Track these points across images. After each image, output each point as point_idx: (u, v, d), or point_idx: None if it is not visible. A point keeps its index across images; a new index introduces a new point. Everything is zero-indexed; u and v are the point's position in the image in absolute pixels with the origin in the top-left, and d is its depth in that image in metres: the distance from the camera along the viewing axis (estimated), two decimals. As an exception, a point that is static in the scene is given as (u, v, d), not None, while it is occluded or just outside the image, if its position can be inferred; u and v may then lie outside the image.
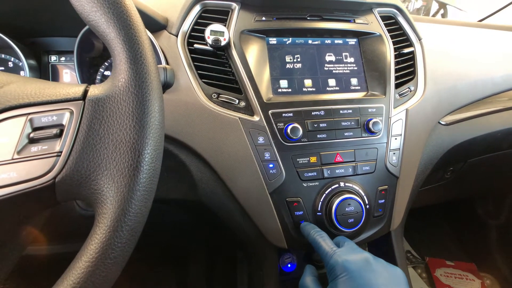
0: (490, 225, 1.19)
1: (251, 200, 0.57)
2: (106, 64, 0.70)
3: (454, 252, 1.39)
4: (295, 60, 0.64)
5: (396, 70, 0.68)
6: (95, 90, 0.30)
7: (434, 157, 0.73)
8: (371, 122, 0.60)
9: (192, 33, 0.61)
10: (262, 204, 0.57)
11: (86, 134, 0.28)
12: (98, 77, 0.70)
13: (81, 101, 0.29)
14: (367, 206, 0.59)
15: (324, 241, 0.49)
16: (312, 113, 0.59)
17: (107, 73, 0.70)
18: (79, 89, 0.30)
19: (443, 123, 0.75)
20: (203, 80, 0.59)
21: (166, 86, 0.46)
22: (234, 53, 0.59)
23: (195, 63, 0.59)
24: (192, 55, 0.60)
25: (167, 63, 0.60)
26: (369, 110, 0.62)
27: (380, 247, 0.69)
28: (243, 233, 0.60)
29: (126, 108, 0.29)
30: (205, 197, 0.60)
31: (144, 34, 0.31)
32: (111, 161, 0.28)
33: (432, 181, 0.89)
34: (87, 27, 0.58)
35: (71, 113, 0.28)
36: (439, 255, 1.37)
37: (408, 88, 0.68)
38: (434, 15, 1.59)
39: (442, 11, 1.51)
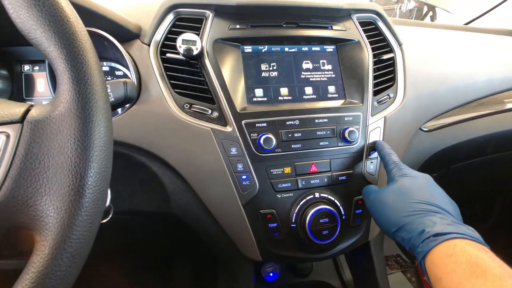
0: (479, 228, 1.18)
1: (224, 212, 0.56)
2: None
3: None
4: (271, 68, 0.63)
5: (375, 77, 0.67)
6: (36, 111, 0.29)
7: (415, 164, 0.72)
8: (347, 131, 0.59)
9: (166, 42, 0.60)
10: (235, 216, 0.56)
11: (23, 159, 0.27)
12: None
13: (19, 124, 0.28)
14: (343, 217, 0.58)
15: (394, 155, 0.56)
16: (287, 122, 0.58)
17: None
18: (19, 110, 0.29)
19: (424, 129, 0.74)
20: (175, 90, 0.57)
21: (126, 100, 0.45)
22: (207, 62, 0.58)
23: (167, 73, 0.58)
24: (165, 64, 0.59)
25: (138, 73, 0.59)
26: (346, 118, 0.61)
27: (360, 256, 0.68)
28: (217, 245, 0.59)
29: (67, 130, 0.28)
30: (178, 209, 0.59)
31: (91, 52, 0.30)
32: (51, 186, 0.27)
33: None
34: None
35: (7, 136, 0.27)
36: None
37: (387, 95, 0.67)
38: (422, 18, 1.58)
39: (431, 13, 1.50)
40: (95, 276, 0.86)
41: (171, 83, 0.58)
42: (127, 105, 0.55)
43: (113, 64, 0.71)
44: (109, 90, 0.44)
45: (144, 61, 0.59)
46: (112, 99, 0.44)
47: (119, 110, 0.69)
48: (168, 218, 0.60)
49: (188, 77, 0.59)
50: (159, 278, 0.95)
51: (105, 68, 0.71)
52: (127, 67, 0.57)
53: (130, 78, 0.57)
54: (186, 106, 0.57)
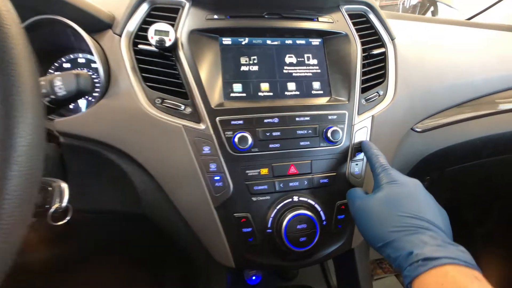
0: (477, 233, 1.14)
1: (195, 215, 0.53)
2: (63, 59, 0.66)
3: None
4: (251, 62, 0.59)
5: (364, 73, 0.62)
6: None
7: (406, 167, 0.68)
8: (330, 130, 0.55)
9: (139, 33, 0.56)
10: (208, 220, 0.52)
11: None
12: (51, 71, 0.66)
13: None
14: (324, 223, 0.54)
15: (381, 157, 0.52)
16: (265, 120, 0.54)
17: (66, 65, 0.66)
18: None
19: (417, 129, 0.70)
20: (147, 83, 0.54)
21: (80, 93, 0.41)
22: (182, 54, 0.54)
23: (140, 65, 0.55)
24: (137, 56, 0.55)
25: (108, 65, 0.55)
26: (329, 117, 0.57)
27: (345, 262, 0.64)
28: (190, 249, 0.56)
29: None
30: (148, 210, 0.56)
31: (17, 39, 0.27)
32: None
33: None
34: (37, 17, 0.53)
35: None
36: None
37: (377, 92, 0.63)
38: (424, 13, 1.52)
39: (432, 8, 1.45)
40: (75, 277, 0.83)
41: (143, 76, 0.54)
42: (93, 100, 0.52)
43: (89, 56, 0.68)
44: (60, 83, 0.40)
45: (114, 53, 0.55)
46: (64, 93, 0.40)
47: (84, 105, 0.66)
48: (140, 219, 0.57)
49: (161, 70, 0.55)
50: (139, 279, 0.93)
51: (81, 60, 0.68)
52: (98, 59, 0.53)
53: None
54: (158, 101, 0.53)
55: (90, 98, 0.65)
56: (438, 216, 0.42)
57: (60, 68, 0.67)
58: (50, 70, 0.67)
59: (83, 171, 0.57)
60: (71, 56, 0.68)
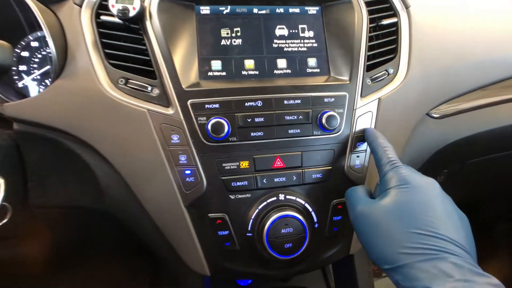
0: (498, 229, 1.03)
1: (163, 215, 0.46)
2: (30, 37, 0.59)
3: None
4: (233, 35, 0.50)
5: (371, 48, 0.52)
6: None
7: (419, 160, 0.58)
8: (325, 116, 0.46)
9: (104, 3, 0.48)
10: (177, 220, 0.45)
11: None
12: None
13: None
14: (316, 225, 0.46)
15: (389, 150, 0.42)
16: (246, 104, 0.45)
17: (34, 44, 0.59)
18: None
19: (434, 115, 0.59)
20: (109, 61, 0.46)
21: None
22: (149, 26, 0.46)
23: (102, 40, 0.47)
24: (100, 30, 0.47)
25: (65, 41, 0.47)
26: (326, 100, 0.47)
27: (343, 265, 0.56)
28: (160, 252, 0.49)
29: None
30: (113, 207, 0.49)
31: None
32: None
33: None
34: None
35: None
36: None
37: (385, 71, 0.53)
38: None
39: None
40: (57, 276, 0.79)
41: (105, 53, 0.46)
42: (48, 80, 0.45)
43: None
44: None
45: (73, 25, 0.47)
46: None
47: (39, 86, 0.59)
48: (106, 215, 0.50)
49: (126, 45, 0.47)
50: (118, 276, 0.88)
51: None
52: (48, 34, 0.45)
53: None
54: (121, 81, 0.46)
55: (42, 78, 0.58)
56: (461, 230, 0.33)
57: (27, 48, 0.60)
58: (16, 50, 0.60)
59: (43, 163, 0.50)
60: (38, 33, 0.61)
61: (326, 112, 0.46)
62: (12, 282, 0.70)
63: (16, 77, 0.57)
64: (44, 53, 0.60)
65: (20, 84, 0.57)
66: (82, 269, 0.78)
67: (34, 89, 0.58)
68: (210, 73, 0.48)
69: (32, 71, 0.59)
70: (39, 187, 0.51)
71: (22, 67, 0.57)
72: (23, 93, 0.58)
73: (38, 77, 0.59)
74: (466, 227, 0.35)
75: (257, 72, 0.49)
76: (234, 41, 0.50)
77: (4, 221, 0.38)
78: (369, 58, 0.52)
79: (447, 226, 0.33)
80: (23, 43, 0.60)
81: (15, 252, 0.65)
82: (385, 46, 0.54)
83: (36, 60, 0.60)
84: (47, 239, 0.61)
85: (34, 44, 0.60)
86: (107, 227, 0.62)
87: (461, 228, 0.33)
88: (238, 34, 0.50)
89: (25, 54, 0.59)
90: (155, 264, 0.92)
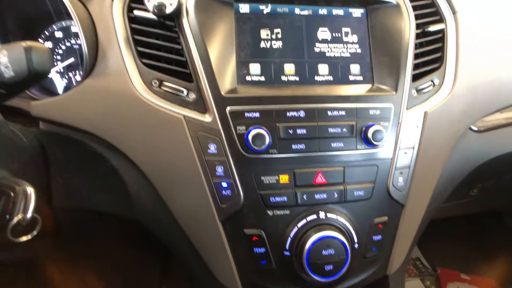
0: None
1: (197, 228, 0.43)
2: (54, 27, 0.56)
3: (472, 264, 1.21)
4: (274, 36, 0.46)
5: (417, 56, 0.49)
6: None
7: (457, 176, 0.55)
8: (371, 130, 0.43)
9: None
10: (211, 235, 0.42)
11: None
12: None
13: None
14: (356, 245, 0.43)
15: None
16: (288, 113, 0.42)
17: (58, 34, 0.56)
18: None
19: (474, 128, 0.56)
20: (143, 60, 0.43)
21: (34, 75, 0.29)
22: (187, 24, 0.43)
23: (134, 37, 0.44)
24: (132, 25, 0.44)
25: (96, 36, 0.44)
26: (371, 112, 0.44)
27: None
28: (190, 265, 0.47)
29: None
30: (142, 216, 0.47)
31: None
32: None
33: (451, 199, 0.71)
34: None
35: None
36: (454, 266, 1.20)
37: (431, 81, 0.49)
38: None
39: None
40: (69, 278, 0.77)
41: (138, 51, 0.43)
42: (72, 73, 0.42)
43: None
44: (6, 60, 0.28)
45: (104, 20, 0.44)
46: (12, 74, 0.29)
47: (61, 87, 0.55)
48: (133, 223, 0.48)
49: (160, 44, 0.44)
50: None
51: (75, 29, 0.57)
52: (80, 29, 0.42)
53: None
54: (155, 83, 0.43)
55: (73, 77, 0.55)
56: None
57: (51, 38, 0.57)
58: (39, 40, 0.57)
59: (68, 164, 0.48)
60: (63, 23, 0.58)
61: (372, 125, 0.43)
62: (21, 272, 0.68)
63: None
64: (68, 44, 0.57)
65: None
66: (90, 259, 0.77)
67: (59, 83, 0.56)
68: (248, 78, 0.45)
69: (55, 63, 0.56)
70: (63, 189, 0.48)
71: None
72: (46, 87, 0.56)
73: (62, 69, 0.56)
74: None
75: (297, 78, 0.46)
76: (274, 44, 0.46)
77: (34, 233, 0.35)
78: (414, 67, 0.49)
79: None
80: (47, 33, 0.57)
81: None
82: (430, 54, 0.51)
83: (60, 51, 0.57)
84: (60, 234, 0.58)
85: (58, 34, 0.57)
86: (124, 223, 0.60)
87: None
88: (279, 36, 0.47)
89: (48, 45, 0.56)
90: (165, 258, 0.91)
